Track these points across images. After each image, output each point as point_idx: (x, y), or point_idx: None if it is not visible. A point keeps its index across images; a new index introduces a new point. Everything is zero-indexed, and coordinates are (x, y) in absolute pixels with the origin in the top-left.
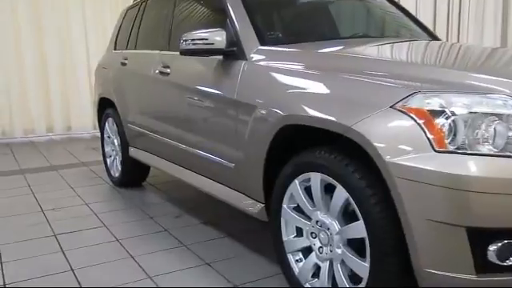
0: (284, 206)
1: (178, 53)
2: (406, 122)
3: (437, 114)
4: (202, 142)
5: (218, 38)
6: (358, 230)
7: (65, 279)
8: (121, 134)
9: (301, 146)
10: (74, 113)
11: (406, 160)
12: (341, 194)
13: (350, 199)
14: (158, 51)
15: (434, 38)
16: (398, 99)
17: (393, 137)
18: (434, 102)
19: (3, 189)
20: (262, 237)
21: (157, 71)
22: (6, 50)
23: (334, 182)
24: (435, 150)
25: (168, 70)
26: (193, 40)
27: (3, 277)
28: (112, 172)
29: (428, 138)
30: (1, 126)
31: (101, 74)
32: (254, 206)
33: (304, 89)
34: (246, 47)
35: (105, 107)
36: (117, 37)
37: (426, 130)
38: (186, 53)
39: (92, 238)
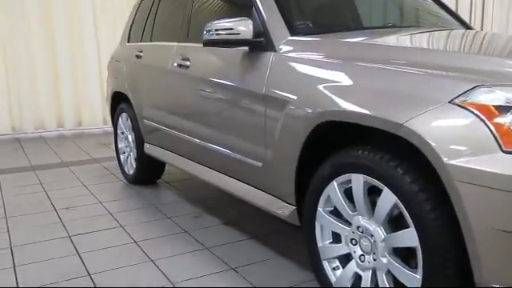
0: (319, 209)
1: (197, 44)
2: (467, 119)
3: (504, 109)
4: (225, 140)
5: (244, 27)
6: (409, 238)
7: (82, 285)
8: (135, 129)
9: (336, 144)
10: (85, 108)
11: (468, 162)
12: (388, 198)
13: (399, 204)
14: (175, 43)
15: (466, 27)
16: (457, 93)
17: (452, 135)
18: (500, 97)
19: (15, 186)
20: (290, 239)
21: (175, 64)
22: (17, 44)
23: (380, 185)
24: (503, 151)
25: (187, 63)
26: (216, 30)
27: (16, 282)
28: (126, 169)
29: (495, 137)
30: (11, 121)
31: (114, 68)
32: (284, 209)
33: (345, 83)
34: (274, 38)
35: (118, 102)
36: (130, 29)
37: (492, 128)
38: (209, 44)
39: (109, 240)
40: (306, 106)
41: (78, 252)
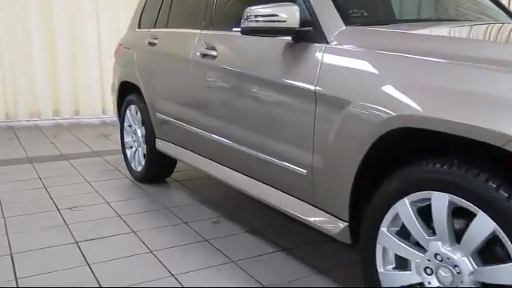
0: (383, 229)
1: (225, 32)
2: None
3: None
4: (259, 141)
5: (289, 14)
6: (510, 275)
7: None
8: (146, 123)
9: (404, 154)
10: (83, 96)
11: None
12: (484, 225)
13: (500, 233)
14: (197, 30)
15: None
16: None
17: None
18: None
19: (12, 181)
20: (328, 253)
21: (198, 53)
22: (13, 26)
23: (473, 208)
24: None
25: (213, 53)
26: (257, 17)
27: None
28: (133, 165)
29: None
30: (4, 108)
31: (122, 55)
32: (333, 225)
33: (426, 83)
34: (325, 27)
35: (126, 92)
36: (141, 13)
37: None
38: (248, 32)
39: (121, 248)
40: (374, 108)
41: (87, 262)
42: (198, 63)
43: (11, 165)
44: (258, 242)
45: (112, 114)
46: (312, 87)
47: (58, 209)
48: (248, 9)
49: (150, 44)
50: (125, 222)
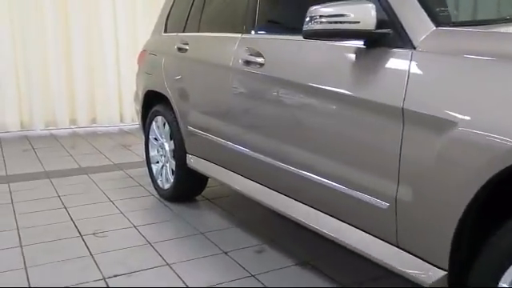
0: (503, 285)
1: (274, 36)
2: None
3: None
4: (323, 164)
5: (363, 14)
6: None
7: None
8: (176, 137)
9: None
10: (100, 104)
11: None
12: None
13: None
14: (238, 34)
15: None
16: None
17: None
18: None
19: (29, 199)
20: None
21: (240, 61)
22: (28, 32)
23: None
24: None
25: (260, 60)
26: (322, 17)
27: None
28: (160, 182)
29: None
30: (19, 117)
31: (148, 62)
32: (424, 272)
33: None
34: (410, 29)
35: (152, 103)
36: (168, 17)
37: None
38: (313, 35)
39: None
40: (492, 133)
41: None
42: (240, 71)
43: (28, 180)
44: (314, 278)
45: (130, 122)
46: (398, 103)
47: (80, 234)
48: (312, 8)
49: (180, 50)
50: (156, 251)
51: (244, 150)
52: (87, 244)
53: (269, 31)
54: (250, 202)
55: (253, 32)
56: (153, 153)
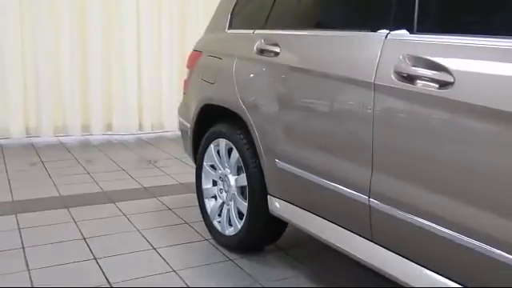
0: None
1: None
2: None
3: None
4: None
5: None
6: None
7: None
8: (250, 170)
9: None
10: (117, 109)
11: None
12: None
13: None
14: (381, 32)
15: None
16: None
17: None
18: None
19: (45, 243)
20: None
21: (392, 76)
22: (38, 23)
23: None
24: None
25: (438, 76)
26: None
27: None
28: (217, 225)
29: None
30: (24, 122)
31: (206, 67)
32: None
33: None
34: None
35: (210, 119)
36: (233, 9)
37: None
38: None
39: None
40: None
41: None
42: (391, 90)
43: (40, 210)
44: None
45: (150, 130)
46: None
47: None
48: None
49: (263, 52)
50: None
51: (384, 207)
52: None
53: (445, 29)
54: (337, 255)
55: (413, 30)
56: (207, 185)
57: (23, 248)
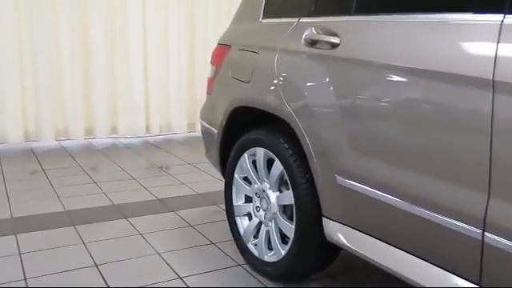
0: None
1: None
2: None
3: None
4: None
5: None
6: None
7: None
8: (299, 187)
9: None
10: (123, 110)
11: None
12: None
13: None
14: (496, 17)
15: None
16: None
17: None
18: None
19: (51, 272)
20: None
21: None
22: (38, 23)
23: None
24: None
25: None
26: None
27: None
28: (254, 249)
29: None
30: (22, 125)
31: (238, 63)
32: None
33: None
34: None
35: (242, 124)
36: None
37: None
38: None
39: None
40: None
41: None
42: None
43: (43, 229)
44: None
45: (157, 133)
46: None
47: None
48: None
49: (316, 44)
50: None
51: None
52: None
53: None
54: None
55: None
56: (239, 201)
57: (25, 279)
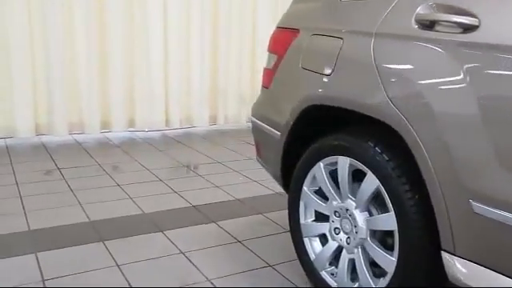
0: None
1: None
2: None
3: None
4: None
5: None
6: None
7: None
8: (404, 209)
9: None
10: (141, 102)
11: None
12: None
13: None
14: None
15: None
16: None
17: None
18: None
19: None
20: None
21: None
22: (51, 10)
23: None
24: None
25: None
26: None
27: None
28: (332, 280)
29: None
30: (33, 118)
31: (314, 51)
32: None
33: None
34: None
35: (314, 127)
36: None
37: None
38: None
39: None
40: None
41: None
42: None
43: (68, 245)
44: None
45: (178, 126)
46: None
47: None
48: None
49: (436, 25)
50: None
51: None
52: None
53: None
54: None
55: None
56: (308, 218)
57: None
